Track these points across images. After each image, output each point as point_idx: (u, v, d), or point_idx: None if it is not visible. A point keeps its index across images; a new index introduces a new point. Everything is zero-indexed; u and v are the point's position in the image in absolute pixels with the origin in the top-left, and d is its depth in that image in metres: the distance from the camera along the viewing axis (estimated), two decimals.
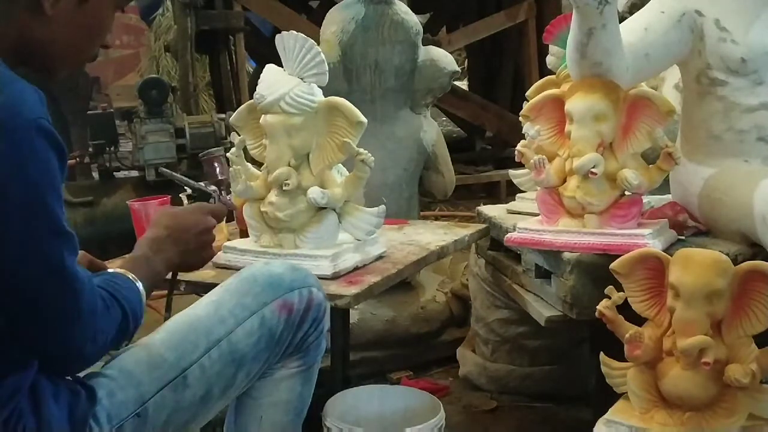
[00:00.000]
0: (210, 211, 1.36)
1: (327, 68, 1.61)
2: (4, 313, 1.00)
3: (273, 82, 1.60)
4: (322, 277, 1.50)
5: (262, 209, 1.62)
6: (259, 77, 1.63)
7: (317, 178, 1.60)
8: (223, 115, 3.42)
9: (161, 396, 1.15)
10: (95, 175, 3.59)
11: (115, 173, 3.60)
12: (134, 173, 3.64)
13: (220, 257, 1.62)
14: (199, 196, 1.37)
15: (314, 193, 1.57)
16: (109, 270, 1.21)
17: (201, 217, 1.33)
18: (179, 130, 3.25)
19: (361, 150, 1.57)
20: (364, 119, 1.57)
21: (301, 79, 1.59)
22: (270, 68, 1.63)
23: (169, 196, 1.85)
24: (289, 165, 1.59)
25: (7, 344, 1.02)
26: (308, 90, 1.59)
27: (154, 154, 3.20)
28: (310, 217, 1.61)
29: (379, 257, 1.68)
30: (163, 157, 3.20)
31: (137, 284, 1.19)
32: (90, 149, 3.40)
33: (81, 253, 1.40)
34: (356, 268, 1.60)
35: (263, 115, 1.60)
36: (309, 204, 1.58)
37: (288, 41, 1.59)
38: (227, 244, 1.68)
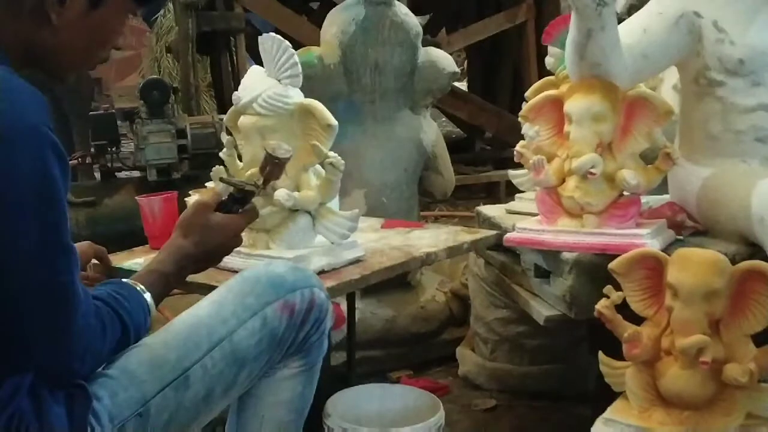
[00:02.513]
0: (244, 228, 1.35)
1: (301, 70, 1.60)
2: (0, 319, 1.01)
3: (251, 83, 1.60)
4: None
5: None
6: None
7: (293, 180, 1.59)
8: (224, 116, 3.43)
9: (163, 396, 1.15)
10: (97, 175, 3.60)
11: (116, 173, 3.61)
12: (136, 173, 3.64)
13: None
14: (243, 193, 1.36)
15: (280, 194, 1.55)
16: (123, 280, 1.22)
17: (233, 240, 1.33)
18: (180, 131, 3.26)
19: (330, 153, 1.57)
20: (334, 122, 1.56)
21: (278, 80, 1.60)
22: (253, 70, 1.64)
23: (176, 193, 1.86)
24: None
25: (7, 346, 1.02)
26: (283, 92, 1.58)
27: (155, 154, 3.20)
28: (283, 219, 1.60)
29: (355, 261, 1.65)
30: (164, 157, 3.21)
31: (145, 296, 1.20)
32: (92, 150, 3.41)
33: (87, 243, 1.41)
34: (323, 272, 1.57)
35: (240, 116, 1.61)
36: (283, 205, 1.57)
37: (267, 43, 1.59)
38: None
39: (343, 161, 1.58)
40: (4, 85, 0.99)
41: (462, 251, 1.89)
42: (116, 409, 1.11)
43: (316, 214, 1.62)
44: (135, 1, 1.16)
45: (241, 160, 1.69)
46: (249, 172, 1.55)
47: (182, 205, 1.86)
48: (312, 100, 1.60)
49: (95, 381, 1.12)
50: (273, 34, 1.60)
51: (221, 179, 1.43)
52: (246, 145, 1.62)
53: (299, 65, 1.60)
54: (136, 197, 1.85)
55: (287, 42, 1.59)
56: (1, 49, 1.05)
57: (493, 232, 1.97)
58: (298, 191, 1.58)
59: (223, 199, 1.35)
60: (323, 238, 1.63)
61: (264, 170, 1.40)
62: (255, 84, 1.60)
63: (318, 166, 1.63)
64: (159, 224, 1.81)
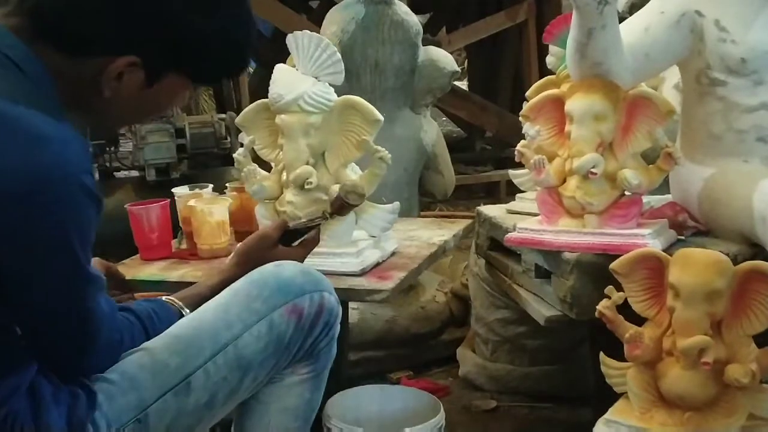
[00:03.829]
0: (304, 260, 1.43)
1: (343, 67, 1.61)
2: (22, 329, 1.03)
3: (289, 81, 1.60)
4: (349, 274, 1.54)
5: (280, 209, 1.63)
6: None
7: (334, 176, 1.62)
8: (223, 116, 3.42)
9: (163, 401, 1.14)
10: (96, 174, 3.60)
11: (115, 173, 3.61)
12: (134, 173, 3.64)
13: None
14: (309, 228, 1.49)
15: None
16: (164, 299, 1.28)
17: None
18: (179, 131, 3.26)
19: (379, 147, 1.58)
20: (380, 117, 1.59)
21: (316, 78, 1.60)
22: (282, 68, 1.63)
23: (168, 200, 1.85)
24: (307, 164, 1.60)
25: (8, 345, 1.02)
26: (325, 89, 1.60)
27: (154, 154, 3.20)
28: None
29: (394, 253, 1.71)
30: (163, 157, 3.20)
31: (183, 312, 1.27)
32: (90, 149, 3.40)
33: (96, 260, 1.42)
34: (378, 264, 1.62)
35: (279, 115, 1.60)
36: (327, 202, 1.59)
37: (302, 40, 1.59)
38: None
39: (390, 155, 1.60)
40: (51, 130, 0.97)
41: (460, 238, 1.97)
42: (114, 414, 1.10)
43: (358, 208, 1.63)
44: (191, 79, 1.14)
45: (255, 161, 1.68)
46: (307, 210, 1.59)
47: (174, 208, 1.85)
48: (354, 96, 1.62)
49: (94, 385, 1.11)
50: (307, 31, 1.60)
51: (288, 229, 1.46)
52: (288, 144, 1.61)
53: (342, 62, 1.60)
54: (126, 206, 1.81)
55: (327, 39, 1.59)
56: (54, 91, 1.03)
57: (470, 221, 2.06)
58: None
59: (288, 229, 1.44)
60: (360, 232, 1.66)
61: (334, 206, 1.52)
62: (294, 82, 1.59)
63: (353, 162, 1.65)
64: (155, 234, 1.77)
